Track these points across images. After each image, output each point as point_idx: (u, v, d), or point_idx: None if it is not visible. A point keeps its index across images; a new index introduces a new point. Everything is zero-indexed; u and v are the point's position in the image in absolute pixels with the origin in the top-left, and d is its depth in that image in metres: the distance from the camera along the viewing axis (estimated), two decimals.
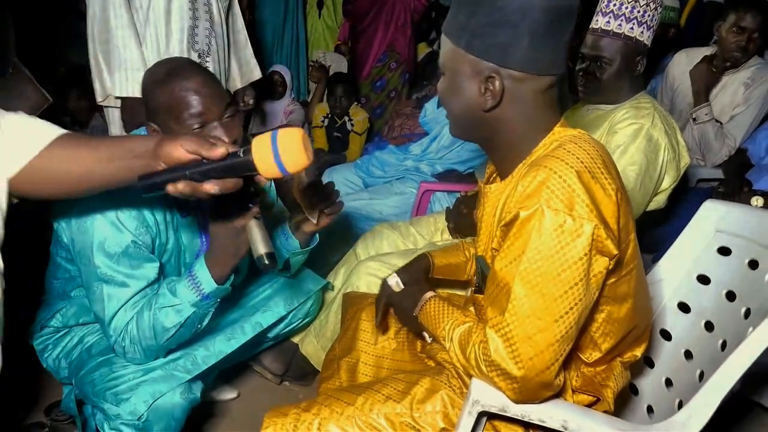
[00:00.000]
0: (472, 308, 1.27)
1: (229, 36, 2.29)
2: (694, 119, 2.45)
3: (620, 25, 1.79)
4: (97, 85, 2.05)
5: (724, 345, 1.23)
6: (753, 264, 1.26)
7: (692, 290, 1.38)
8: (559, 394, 1.04)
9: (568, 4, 0.98)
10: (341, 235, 2.41)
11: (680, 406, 1.26)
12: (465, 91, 1.04)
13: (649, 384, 1.38)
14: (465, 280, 1.47)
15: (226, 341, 1.55)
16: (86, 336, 1.53)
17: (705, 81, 2.43)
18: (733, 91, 2.45)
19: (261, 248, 1.15)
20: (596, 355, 1.09)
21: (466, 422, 1.03)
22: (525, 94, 1.03)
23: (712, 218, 1.39)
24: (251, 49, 2.35)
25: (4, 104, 0.99)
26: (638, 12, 1.78)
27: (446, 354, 1.23)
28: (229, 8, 2.28)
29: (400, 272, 1.38)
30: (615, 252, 0.96)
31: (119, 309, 1.33)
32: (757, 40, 2.39)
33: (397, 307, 1.34)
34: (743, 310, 1.22)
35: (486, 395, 1.02)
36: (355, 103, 3.81)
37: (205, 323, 1.38)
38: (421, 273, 1.40)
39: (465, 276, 1.46)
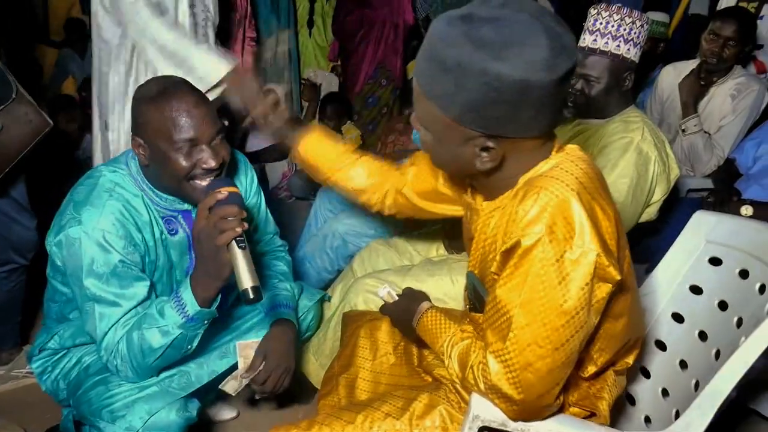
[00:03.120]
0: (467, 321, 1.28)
1: None
2: (683, 130, 2.48)
3: (607, 42, 1.82)
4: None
5: (718, 354, 1.24)
6: (743, 274, 1.28)
7: (685, 300, 1.40)
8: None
9: (569, 68, 0.89)
10: (337, 253, 2.43)
11: (677, 415, 1.27)
12: (456, 152, 0.98)
13: (646, 394, 1.39)
14: None
15: (218, 360, 1.55)
16: (84, 356, 1.53)
17: (693, 93, 2.48)
18: (720, 102, 2.50)
19: (246, 281, 1.16)
20: (592, 369, 1.10)
21: None
22: (524, 150, 0.99)
23: (703, 229, 1.41)
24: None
25: (8, 128, 1.01)
26: (624, 30, 1.81)
27: (443, 370, 1.25)
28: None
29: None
30: (618, 278, 0.95)
31: (110, 328, 1.33)
32: (732, 48, 2.45)
33: (393, 318, 1.35)
34: (735, 319, 1.24)
35: (486, 411, 1.03)
36: (348, 120, 3.84)
37: (194, 345, 1.37)
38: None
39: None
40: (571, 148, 1.06)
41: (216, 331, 1.56)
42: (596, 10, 1.82)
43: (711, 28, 2.47)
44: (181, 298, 1.29)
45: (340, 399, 1.47)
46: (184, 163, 1.31)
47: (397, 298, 1.33)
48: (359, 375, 1.49)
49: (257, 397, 1.57)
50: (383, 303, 1.37)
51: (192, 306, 1.28)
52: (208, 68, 1.78)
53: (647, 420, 1.35)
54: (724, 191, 2.27)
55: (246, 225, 1.20)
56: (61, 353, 1.54)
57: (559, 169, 0.99)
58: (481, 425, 1.03)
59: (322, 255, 2.44)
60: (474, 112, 0.90)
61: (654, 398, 1.36)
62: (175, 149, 1.30)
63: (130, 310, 1.34)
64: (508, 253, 0.98)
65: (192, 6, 2.02)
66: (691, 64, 2.61)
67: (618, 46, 1.82)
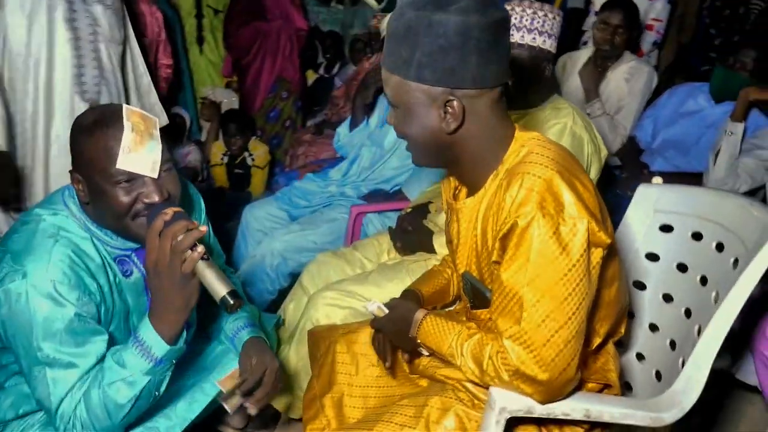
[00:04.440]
0: (464, 319, 1.28)
1: (126, 82, 2.17)
2: (589, 114, 2.66)
3: (523, 36, 1.91)
4: None
5: (687, 312, 1.34)
6: (697, 236, 1.39)
7: (644, 268, 1.50)
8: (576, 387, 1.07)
9: (502, 16, 1.04)
10: (278, 272, 2.34)
11: (659, 375, 1.36)
12: (425, 120, 1.07)
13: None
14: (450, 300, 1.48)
15: (187, 406, 1.42)
16: (30, 430, 1.34)
17: (593, 78, 2.67)
18: (616, 85, 2.71)
19: (221, 289, 1.08)
20: (597, 341, 1.15)
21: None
22: (482, 109, 1.07)
23: (649, 200, 1.51)
24: (156, 94, 2.23)
25: None
26: (538, 22, 1.91)
27: (446, 369, 1.23)
28: (124, 53, 2.15)
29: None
30: (608, 241, 1.02)
31: (67, 394, 1.17)
32: (622, 35, 2.68)
33: (388, 332, 1.31)
34: (698, 277, 1.34)
35: (511, 401, 1.03)
36: (254, 137, 3.73)
37: (163, 389, 1.24)
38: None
39: (450, 298, 1.46)
40: (536, 134, 1.14)
41: (177, 376, 1.42)
42: (510, 7, 1.90)
43: (600, 18, 2.69)
44: (142, 341, 1.15)
45: (329, 420, 1.41)
46: (123, 198, 1.18)
47: (387, 311, 1.29)
48: (345, 392, 1.43)
49: (252, 410, 1.42)
50: (373, 317, 1.32)
51: (158, 347, 1.15)
52: None
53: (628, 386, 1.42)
54: (633, 166, 2.46)
55: (204, 229, 1.11)
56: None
57: (535, 154, 1.07)
58: (508, 416, 1.03)
59: (261, 276, 2.34)
60: (430, 66, 1.02)
61: (632, 363, 1.44)
62: (113, 183, 1.17)
63: (89, 370, 1.18)
64: (505, 238, 1.03)
65: (71, 20, 1.88)
66: (585, 53, 2.81)
67: (534, 38, 1.92)
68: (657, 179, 2.31)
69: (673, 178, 2.29)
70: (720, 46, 3.88)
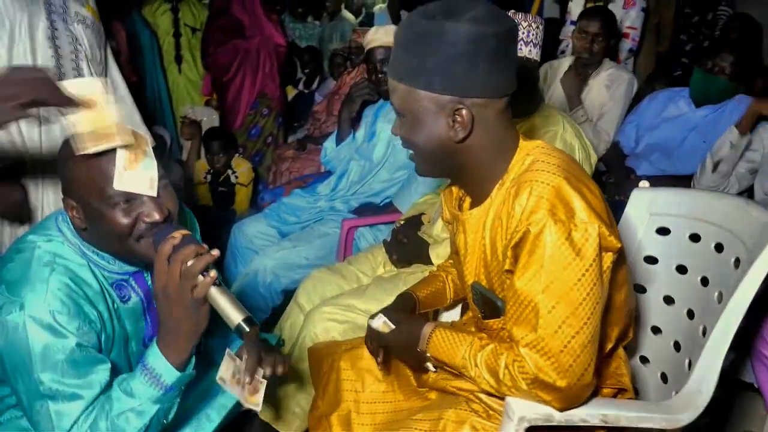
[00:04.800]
0: (473, 330, 1.28)
1: None
2: None
3: None
4: None
5: (690, 313, 1.36)
6: (694, 237, 1.41)
7: (643, 271, 1.51)
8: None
9: (511, 27, 1.05)
10: (270, 290, 2.31)
11: (664, 377, 1.37)
12: (432, 128, 1.07)
13: None
14: (447, 305, 1.48)
15: None
16: None
17: (574, 86, 2.71)
18: (597, 92, 2.76)
19: (236, 316, 1.06)
20: (609, 345, 1.15)
21: None
22: (490, 118, 1.07)
23: (644, 204, 1.53)
24: (139, 115, 2.19)
25: None
26: (523, 33, 1.94)
27: (458, 381, 1.23)
28: (106, 74, 2.11)
29: (387, 313, 1.34)
30: (618, 245, 1.02)
31: (72, 426, 1.12)
32: (600, 42, 2.74)
33: (393, 347, 1.30)
34: (699, 278, 1.36)
35: (529, 410, 1.03)
36: (237, 154, 3.70)
37: (171, 417, 1.20)
38: (408, 310, 1.38)
39: (447, 301, 1.46)
40: (539, 142, 1.15)
41: (180, 403, 1.38)
42: None
43: (579, 26, 2.74)
44: (151, 369, 1.12)
45: None
46: (123, 220, 1.14)
47: (393, 326, 1.28)
48: (352, 409, 1.41)
49: (279, 370, 1.35)
50: (378, 333, 1.31)
51: (169, 374, 1.12)
52: None
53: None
54: (619, 171, 2.49)
55: (216, 253, 1.07)
56: None
57: (540, 162, 1.07)
58: (527, 426, 1.02)
59: (254, 295, 2.31)
60: (439, 75, 1.02)
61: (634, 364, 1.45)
62: (111, 205, 1.13)
63: (93, 400, 1.14)
64: (518, 246, 1.03)
65: (53, 39, 1.85)
66: (566, 61, 2.85)
67: (520, 48, 1.94)
68: (644, 183, 2.32)
69: (659, 181, 2.32)
70: (691, 52, 3.99)
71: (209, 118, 3.95)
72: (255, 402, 1.27)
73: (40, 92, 1.09)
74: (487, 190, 1.13)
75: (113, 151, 1.12)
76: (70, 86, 1.11)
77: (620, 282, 1.14)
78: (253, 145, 4.05)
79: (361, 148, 2.55)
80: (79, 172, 1.13)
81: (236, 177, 3.62)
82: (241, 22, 3.90)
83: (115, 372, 1.22)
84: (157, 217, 1.15)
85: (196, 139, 3.78)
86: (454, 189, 1.30)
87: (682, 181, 2.35)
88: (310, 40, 5.12)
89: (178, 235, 1.08)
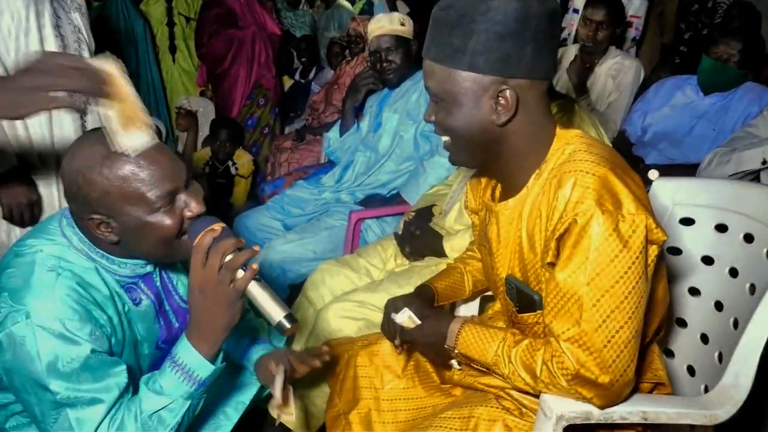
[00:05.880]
0: (502, 325, 1.24)
1: None
2: None
3: None
4: None
5: (718, 305, 1.33)
6: (721, 228, 1.38)
7: (669, 262, 1.48)
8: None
9: (556, 6, 1.02)
10: (276, 284, 2.27)
11: (691, 370, 1.34)
12: (474, 111, 1.02)
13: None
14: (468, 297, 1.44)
15: None
16: None
17: (580, 75, 2.67)
18: (603, 81, 2.73)
19: (277, 312, 1.02)
20: (646, 340, 1.12)
21: None
22: (532, 102, 1.03)
23: (667, 193, 1.50)
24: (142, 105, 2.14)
25: None
26: None
27: (487, 378, 1.19)
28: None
29: (411, 306, 1.30)
30: (665, 238, 0.99)
31: (96, 431, 1.08)
32: (605, 31, 2.70)
33: (419, 343, 1.26)
34: (727, 269, 1.33)
35: (567, 407, 1.00)
36: (239, 146, 3.64)
37: (197, 412, 1.16)
38: (428, 304, 1.34)
39: (466, 294, 1.42)
40: (577, 131, 1.10)
41: None
42: None
43: (583, 15, 2.70)
44: (182, 364, 1.08)
45: None
46: (169, 222, 1.07)
47: (419, 321, 1.24)
48: (372, 407, 1.38)
49: (314, 363, 1.35)
50: (403, 328, 1.26)
51: (202, 368, 1.07)
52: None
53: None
54: (628, 160, 2.45)
55: (257, 248, 1.04)
56: None
57: (582, 152, 1.03)
58: (566, 424, 0.99)
59: None
60: (484, 54, 0.98)
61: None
62: (155, 210, 1.06)
63: (115, 402, 1.09)
64: (563, 238, 0.99)
65: (57, 27, 1.80)
66: (572, 50, 2.82)
67: None
68: (653, 172, 2.30)
69: (668, 170, 2.29)
70: (690, 40, 3.97)
71: (205, 109, 3.87)
72: (290, 412, 1.24)
73: (79, 81, 0.98)
74: (523, 179, 1.09)
75: (145, 155, 1.04)
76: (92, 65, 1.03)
77: (660, 276, 1.10)
78: (250, 135, 3.98)
79: (366, 139, 2.50)
80: (108, 185, 1.04)
81: (236, 169, 3.56)
82: (234, 11, 3.83)
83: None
84: (200, 208, 1.10)
85: (192, 130, 3.72)
86: (483, 179, 1.26)
87: (692, 170, 2.32)
88: (302, 28, 5.03)
89: (217, 227, 1.04)
